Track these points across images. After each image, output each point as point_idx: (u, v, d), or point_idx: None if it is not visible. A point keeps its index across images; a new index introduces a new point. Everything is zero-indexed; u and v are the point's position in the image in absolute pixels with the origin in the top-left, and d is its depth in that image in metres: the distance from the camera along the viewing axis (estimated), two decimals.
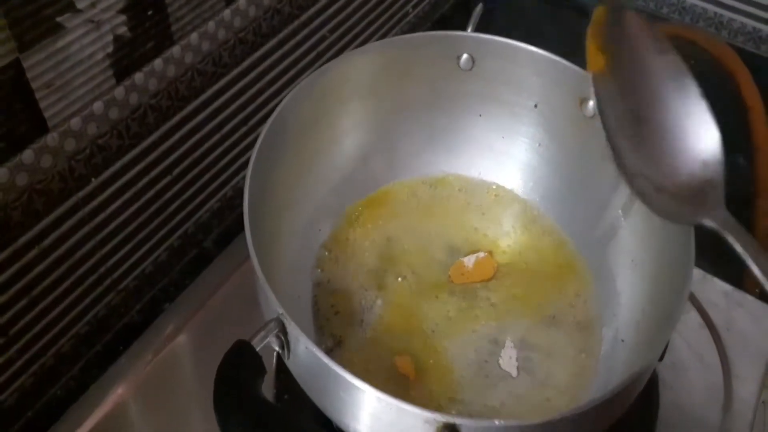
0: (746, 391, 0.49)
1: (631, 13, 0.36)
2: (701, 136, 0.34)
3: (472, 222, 0.53)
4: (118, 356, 0.54)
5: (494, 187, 0.55)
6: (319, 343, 0.45)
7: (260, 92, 0.62)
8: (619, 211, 0.48)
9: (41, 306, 0.49)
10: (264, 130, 0.43)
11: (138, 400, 0.51)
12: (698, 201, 0.33)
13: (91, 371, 0.54)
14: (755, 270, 0.31)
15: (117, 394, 0.51)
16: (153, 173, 0.54)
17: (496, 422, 0.31)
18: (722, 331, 0.51)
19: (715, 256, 0.57)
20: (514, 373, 0.45)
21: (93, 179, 0.49)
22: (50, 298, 0.49)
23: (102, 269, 0.53)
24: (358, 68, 0.49)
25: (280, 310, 0.34)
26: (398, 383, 0.44)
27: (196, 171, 0.58)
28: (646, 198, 0.33)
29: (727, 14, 0.89)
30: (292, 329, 0.34)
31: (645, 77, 0.35)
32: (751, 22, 0.88)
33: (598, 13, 0.37)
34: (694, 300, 0.52)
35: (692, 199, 0.33)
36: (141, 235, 0.55)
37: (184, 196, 0.58)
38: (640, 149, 0.33)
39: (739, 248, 0.32)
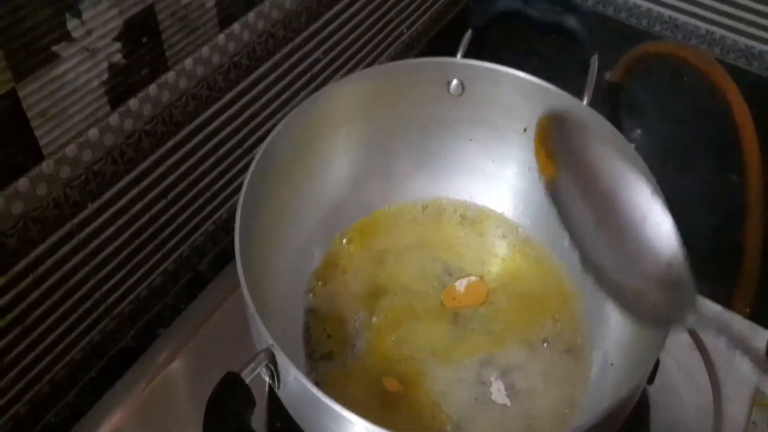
0: (736, 411, 0.49)
1: (575, 120, 0.36)
2: (660, 238, 0.34)
3: (464, 246, 0.54)
4: (112, 382, 0.54)
5: (485, 210, 0.56)
6: (309, 369, 0.46)
7: (254, 115, 0.62)
8: None
9: (36, 333, 0.49)
10: (256, 157, 0.44)
11: (132, 428, 0.51)
12: (671, 302, 0.32)
13: (85, 397, 0.54)
14: (743, 361, 0.30)
15: (111, 422, 0.51)
16: (148, 198, 0.54)
17: None
18: (712, 351, 0.51)
19: (704, 276, 0.58)
20: (506, 403, 0.45)
21: (89, 204, 0.49)
22: (45, 325, 0.49)
23: (97, 295, 0.53)
24: (350, 94, 0.50)
25: (270, 341, 0.35)
26: (387, 409, 0.44)
27: (190, 194, 0.59)
28: (619, 301, 0.33)
29: (720, 31, 0.90)
30: (282, 360, 0.34)
31: (596, 182, 0.35)
32: (743, 39, 0.89)
33: (542, 121, 0.37)
34: None
35: (665, 300, 0.32)
36: (136, 260, 0.56)
37: (179, 220, 0.59)
38: (602, 254, 0.33)
39: (721, 344, 0.31)
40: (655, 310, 0.32)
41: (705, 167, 0.78)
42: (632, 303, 0.32)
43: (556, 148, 0.36)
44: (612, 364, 0.45)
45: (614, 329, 0.46)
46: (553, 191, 0.35)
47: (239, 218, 0.40)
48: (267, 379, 0.36)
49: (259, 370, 0.34)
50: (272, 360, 0.35)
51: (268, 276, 0.45)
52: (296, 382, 0.34)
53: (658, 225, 0.34)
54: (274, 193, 0.47)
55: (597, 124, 0.46)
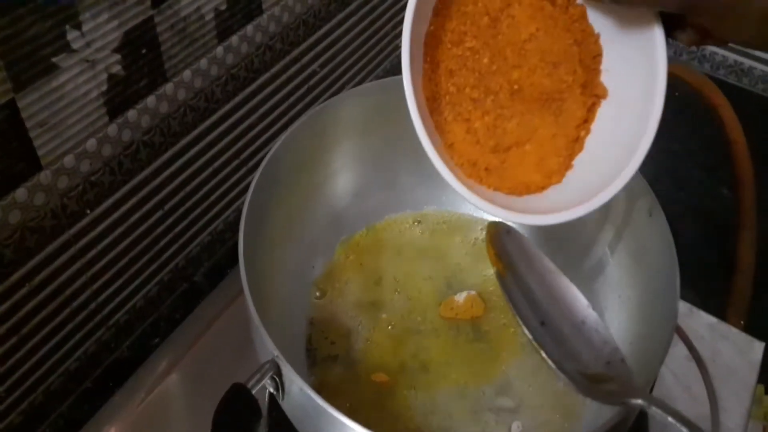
0: (733, 422, 0.50)
1: (515, 233, 0.41)
2: (598, 343, 0.37)
3: (463, 258, 0.54)
4: (106, 392, 0.54)
5: (485, 223, 0.56)
6: (311, 378, 0.46)
7: (252, 126, 0.63)
8: (606, 249, 0.49)
9: (31, 343, 0.49)
10: (259, 170, 0.44)
11: None
12: (614, 388, 0.35)
13: (79, 408, 0.54)
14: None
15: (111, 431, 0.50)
16: (144, 208, 0.54)
17: None
18: (708, 363, 0.52)
19: (698, 289, 0.58)
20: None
21: (88, 212, 0.49)
22: (40, 335, 0.49)
23: (93, 305, 0.53)
24: (353, 108, 0.50)
25: (275, 353, 0.35)
26: (388, 416, 0.44)
27: (187, 205, 0.59)
28: (573, 383, 0.35)
29: (710, 47, 0.91)
30: (287, 371, 0.34)
31: (539, 286, 0.39)
32: (732, 55, 0.90)
33: (490, 226, 0.41)
34: (680, 333, 0.53)
35: (609, 387, 0.35)
36: (132, 270, 0.56)
37: (175, 230, 0.59)
38: (549, 347, 0.36)
39: (667, 419, 0.33)
40: (602, 395, 0.35)
41: (697, 181, 0.79)
42: (582, 386, 0.35)
43: (502, 251, 0.40)
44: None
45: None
46: (503, 285, 0.39)
47: (243, 230, 0.41)
48: (271, 390, 0.35)
49: (264, 381, 0.34)
50: (277, 371, 0.35)
51: (270, 287, 0.45)
52: (301, 393, 0.34)
53: (596, 331, 0.37)
54: (276, 205, 0.47)
55: None
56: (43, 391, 0.51)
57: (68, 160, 0.46)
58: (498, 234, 0.41)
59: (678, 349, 0.52)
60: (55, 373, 0.52)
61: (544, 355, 0.36)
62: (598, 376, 0.36)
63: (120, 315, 0.56)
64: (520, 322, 0.37)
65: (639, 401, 0.34)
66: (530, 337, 0.36)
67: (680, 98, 0.85)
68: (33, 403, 0.51)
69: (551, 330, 0.37)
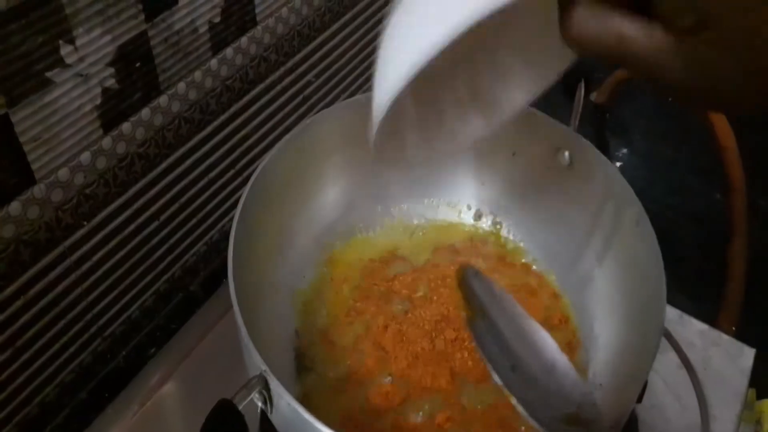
0: (724, 429, 0.50)
1: (483, 276, 0.41)
2: (568, 386, 0.37)
3: (451, 269, 0.54)
4: (102, 404, 0.54)
5: (475, 233, 0.56)
6: (300, 391, 0.46)
7: (247, 137, 0.63)
8: (594, 258, 0.49)
9: (26, 356, 0.49)
10: (249, 183, 0.44)
11: None
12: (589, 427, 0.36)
13: (75, 419, 0.54)
14: None
15: None
16: (139, 220, 0.54)
17: None
18: (699, 370, 0.52)
19: (690, 295, 0.59)
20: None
21: (84, 224, 0.49)
22: (35, 347, 0.49)
23: (88, 316, 0.53)
24: (342, 120, 0.51)
25: (264, 367, 0.35)
26: (375, 428, 0.44)
27: (182, 216, 0.59)
28: (541, 424, 0.35)
29: None
30: (275, 386, 0.34)
31: (507, 330, 0.39)
32: None
33: (458, 270, 0.42)
34: (671, 339, 0.53)
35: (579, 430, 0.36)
36: (127, 281, 0.56)
37: (171, 241, 0.59)
38: (519, 391, 0.36)
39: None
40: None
41: (690, 187, 0.80)
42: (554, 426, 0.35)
43: (471, 295, 0.40)
44: (601, 385, 0.45)
45: (602, 350, 0.46)
46: (473, 329, 0.39)
47: (232, 245, 0.41)
48: (260, 404, 0.36)
49: (252, 396, 0.35)
50: (265, 386, 0.35)
51: (260, 300, 0.45)
52: (289, 408, 0.34)
53: (566, 375, 0.37)
54: (266, 219, 0.47)
55: (583, 154, 0.48)
56: (38, 403, 0.51)
57: (62, 174, 0.46)
58: (466, 278, 0.41)
59: (669, 357, 0.52)
60: (51, 385, 0.52)
61: (514, 401, 0.35)
62: (570, 417, 0.36)
63: (116, 326, 0.56)
64: (491, 369, 0.37)
65: None
66: (500, 383, 0.36)
67: (673, 104, 0.85)
68: (28, 416, 0.51)
69: (522, 374, 0.37)
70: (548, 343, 0.39)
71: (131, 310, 0.57)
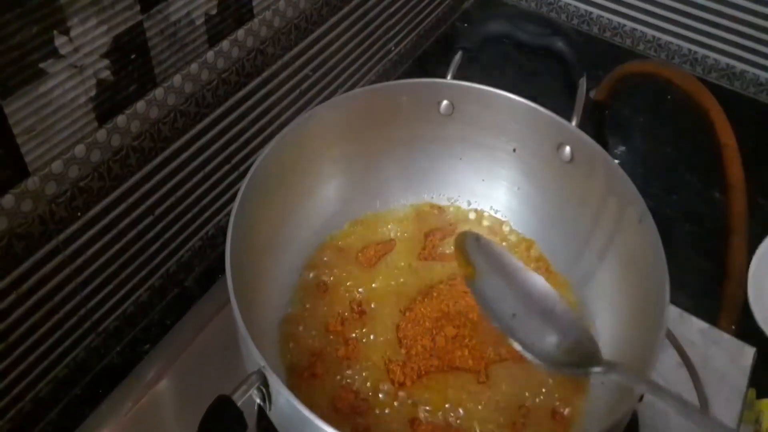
0: None
1: (484, 239, 0.45)
2: (568, 324, 0.41)
3: (452, 264, 0.54)
4: (96, 399, 0.54)
5: (476, 229, 0.56)
6: (297, 386, 0.45)
7: (243, 131, 0.62)
8: (596, 255, 0.49)
9: (19, 351, 0.48)
10: (246, 178, 0.44)
11: None
12: (584, 358, 0.39)
13: (69, 415, 0.53)
14: (642, 388, 0.36)
15: None
16: (134, 214, 0.54)
17: None
18: (699, 368, 0.52)
19: (690, 294, 0.58)
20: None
21: (80, 215, 0.49)
22: (29, 342, 0.49)
23: (82, 311, 0.53)
24: (340, 114, 0.50)
25: (262, 363, 0.34)
26: (369, 425, 0.44)
27: (178, 210, 0.58)
28: (540, 358, 0.40)
29: (702, 51, 0.91)
30: (274, 382, 0.34)
31: (508, 284, 0.42)
32: (724, 59, 0.90)
33: (459, 235, 0.45)
34: (671, 338, 0.53)
35: (579, 358, 0.39)
36: (122, 276, 0.55)
37: (166, 236, 0.58)
38: (520, 334, 0.40)
39: (625, 380, 0.37)
40: (569, 368, 0.39)
41: (688, 185, 0.79)
42: (550, 363, 0.39)
43: (471, 255, 0.43)
44: (602, 383, 0.45)
45: (604, 348, 0.46)
46: (472, 286, 0.43)
47: (230, 240, 0.40)
48: (258, 400, 0.35)
49: (250, 392, 0.34)
50: (264, 382, 0.35)
51: (257, 295, 0.45)
52: (288, 404, 0.34)
53: (564, 315, 0.41)
54: (264, 212, 0.47)
55: (585, 150, 0.48)
56: (31, 398, 0.51)
57: (56, 166, 0.46)
58: (467, 241, 0.44)
59: (669, 355, 0.52)
60: (44, 380, 0.51)
61: (510, 340, 0.39)
62: (569, 350, 0.39)
63: (110, 321, 0.56)
64: (489, 315, 0.41)
65: (599, 368, 0.38)
66: (497, 327, 0.40)
67: (672, 102, 0.85)
68: (21, 411, 0.50)
69: (522, 320, 0.41)
70: (549, 291, 0.42)
71: (125, 306, 0.57)
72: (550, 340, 0.39)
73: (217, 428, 0.32)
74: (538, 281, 0.42)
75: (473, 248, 0.44)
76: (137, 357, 0.57)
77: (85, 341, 0.54)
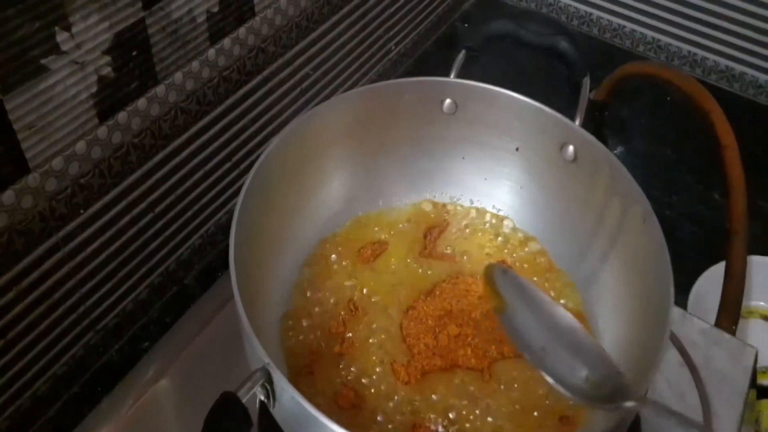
0: (726, 428, 0.50)
1: (510, 272, 0.46)
2: (596, 360, 0.40)
3: (455, 263, 0.53)
4: (95, 397, 0.53)
5: (477, 227, 0.56)
6: (300, 384, 0.45)
7: (244, 129, 0.62)
8: (599, 254, 0.49)
9: (18, 348, 0.48)
10: (249, 175, 0.44)
11: None
12: (612, 394, 0.39)
13: (67, 413, 0.53)
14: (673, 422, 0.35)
15: None
16: (134, 211, 0.54)
17: None
18: (701, 369, 0.52)
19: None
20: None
21: (82, 212, 0.48)
22: (27, 339, 0.49)
23: (82, 309, 0.52)
24: (344, 113, 0.50)
25: (267, 360, 0.34)
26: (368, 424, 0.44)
27: (178, 208, 0.58)
28: (571, 391, 0.39)
29: (701, 53, 0.92)
30: (278, 379, 0.34)
31: (536, 317, 0.42)
32: (723, 61, 0.91)
33: (488, 267, 0.45)
34: (674, 339, 0.53)
35: (607, 393, 0.39)
36: (122, 273, 0.55)
37: (166, 234, 0.58)
38: (550, 367, 0.40)
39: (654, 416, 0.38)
40: (600, 403, 0.39)
41: (689, 186, 0.79)
42: (581, 397, 0.39)
43: (500, 287, 0.44)
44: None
45: (607, 348, 0.46)
46: (503, 319, 0.43)
47: (233, 237, 0.40)
48: (262, 397, 0.35)
49: (254, 389, 0.34)
50: (268, 379, 0.34)
51: (259, 291, 0.44)
52: (292, 401, 0.34)
53: (593, 350, 0.41)
54: (266, 211, 0.46)
55: (589, 149, 0.48)
56: (30, 395, 0.51)
57: (57, 163, 0.46)
58: (494, 274, 0.45)
59: (671, 355, 0.52)
60: (43, 378, 0.51)
61: (543, 374, 0.39)
62: (597, 385, 0.39)
63: (109, 319, 0.56)
64: (521, 349, 0.41)
65: (633, 403, 0.37)
66: (529, 358, 0.40)
67: (672, 103, 0.85)
68: (20, 408, 0.50)
69: (551, 353, 0.41)
70: (574, 325, 0.42)
71: (125, 303, 0.57)
72: (580, 374, 0.39)
73: (223, 425, 0.32)
74: (566, 315, 0.42)
75: (501, 280, 0.44)
76: (136, 355, 0.56)
77: (84, 338, 0.54)
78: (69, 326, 0.52)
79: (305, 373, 0.45)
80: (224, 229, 0.64)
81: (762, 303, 0.70)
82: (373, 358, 0.47)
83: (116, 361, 0.57)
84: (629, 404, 0.37)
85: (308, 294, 0.50)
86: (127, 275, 0.56)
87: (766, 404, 0.61)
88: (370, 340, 0.48)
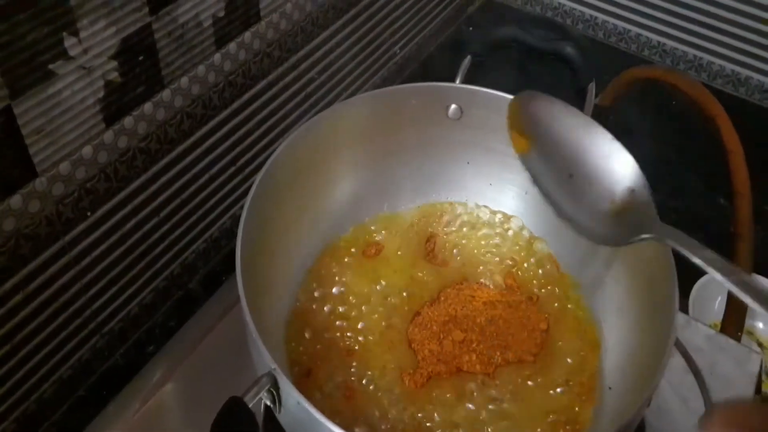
0: None
1: (540, 96, 0.44)
2: (622, 169, 0.40)
3: (460, 268, 0.53)
4: (100, 401, 0.54)
5: (483, 232, 0.56)
6: (303, 389, 0.45)
7: (249, 133, 0.62)
8: (604, 259, 0.49)
9: (24, 351, 0.48)
10: (257, 179, 0.44)
11: None
12: (636, 222, 0.38)
13: (73, 416, 0.53)
14: (699, 262, 0.34)
15: None
16: (140, 215, 0.54)
17: None
18: (706, 374, 0.51)
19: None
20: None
21: (89, 215, 0.49)
22: (34, 343, 0.49)
23: (87, 312, 0.53)
24: (350, 118, 0.50)
25: (273, 366, 0.34)
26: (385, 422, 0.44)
27: (183, 212, 0.58)
28: (593, 236, 0.39)
29: (707, 57, 0.91)
30: (284, 385, 0.34)
31: (562, 142, 0.41)
32: (729, 65, 0.90)
33: (512, 104, 0.44)
34: (678, 344, 0.53)
35: (631, 221, 0.38)
36: (127, 277, 0.55)
37: (171, 238, 0.58)
38: (576, 199, 0.39)
39: (679, 248, 0.35)
40: (623, 231, 0.38)
41: (694, 191, 0.79)
42: (603, 231, 0.39)
43: (525, 124, 0.42)
44: (610, 388, 0.45)
45: (612, 351, 0.46)
46: (527, 162, 0.42)
47: (240, 240, 0.40)
48: (268, 402, 0.35)
49: (261, 394, 0.34)
50: (274, 384, 0.34)
51: (264, 296, 0.44)
52: (298, 407, 0.34)
53: (619, 159, 0.40)
54: (273, 216, 0.46)
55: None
56: (36, 399, 0.51)
57: (64, 167, 0.46)
58: (521, 107, 0.43)
59: (675, 361, 0.52)
60: (49, 381, 0.51)
61: (559, 218, 0.39)
62: (620, 212, 0.38)
63: (114, 323, 0.56)
64: (541, 189, 0.40)
65: (650, 235, 0.36)
66: (547, 201, 0.40)
67: (677, 107, 0.85)
68: (26, 412, 0.50)
69: (579, 179, 0.40)
70: (603, 136, 0.41)
71: (130, 307, 0.57)
72: (603, 206, 0.38)
73: (230, 430, 0.32)
74: (596, 129, 0.41)
75: (529, 110, 0.43)
76: (141, 359, 0.57)
77: (89, 342, 0.54)
78: (75, 330, 0.52)
79: (310, 379, 0.45)
80: (228, 233, 0.65)
81: (759, 324, 0.70)
82: (378, 363, 0.47)
83: (121, 365, 0.57)
84: (646, 236, 0.36)
85: (313, 298, 0.50)
86: (132, 279, 0.56)
87: None
88: (375, 346, 0.48)
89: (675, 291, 0.40)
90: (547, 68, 0.54)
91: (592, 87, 0.49)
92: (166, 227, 0.57)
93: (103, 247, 0.52)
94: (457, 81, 0.51)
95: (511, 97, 0.47)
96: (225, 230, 0.64)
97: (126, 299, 0.56)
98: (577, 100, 0.49)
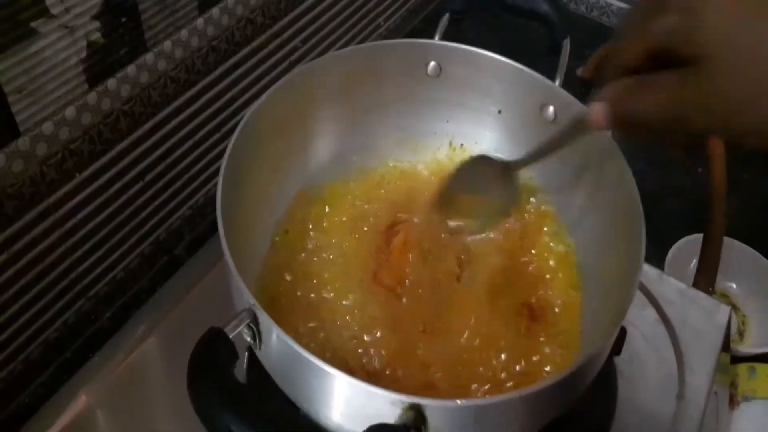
0: (699, 381, 0.51)
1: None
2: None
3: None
4: (86, 363, 0.54)
5: None
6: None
7: (233, 100, 0.63)
8: (578, 209, 0.50)
9: (10, 312, 0.49)
10: (237, 130, 0.44)
11: (109, 401, 0.51)
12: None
13: (60, 378, 0.54)
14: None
15: (89, 393, 0.51)
16: (125, 179, 0.54)
17: (458, 402, 0.33)
18: (677, 326, 0.53)
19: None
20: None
21: (77, 175, 0.49)
22: (19, 303, 0.49)
23: (72, 275, 0.53)
24: (330, 73, 0.51)
25: (252, 301, 0.35)
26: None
27: (168, 177, 0.59)
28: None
29: None
30: (264, 319, 0.35)
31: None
32: None
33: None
34: (651, 297, 0.54)
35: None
36: (112, 241, 0.56)
37: (156, 203, 0.59)
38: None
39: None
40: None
41: (672, 160, 0.80)
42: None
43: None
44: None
45: (593, 278, 0.47)
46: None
47: (221, 184, 0.41)
48: (248, 338, 0.36)
49: (241, 328, 0.35)
50: (254, 320, 0.35)
51: (245, 242, 0.44)
52: (279, 341, 0.34)
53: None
54: (254, 166, 0.47)
55: (568, 110, 0.48)
56: (23, 360, 0.51)
57: (47, 127, 0.46)
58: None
59: (648, 312, 0.54)
60: (35, 343, 0.52)
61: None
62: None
63: (100, 286, 0.56)
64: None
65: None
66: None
67: None
68: (13, 372, 0.51)
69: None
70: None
71: (116, 271, 0.57)
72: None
73: (210, 356, 0.33)
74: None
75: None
76: (127, 323, 0.57)
77: (75, 305, 0.55)
78: (61, 292, 0.53)
79: (288, 319, 0.46)
80: (214, 201, 0.64)
81: (733, 284, 0.72)
82: (350, 295, 0.48)
83: (107, 329, 0.57)
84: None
85: (291, 247, 0.50)
86: (118, 243, 0.56)
87: (742, 368, 0.62)
88: (346, 291, 0.49)
89: (641, 223, 0.40)
90: (525, 29, 0.54)
91: (566, 43, 0.50)
92: (150, 192, 0.58)
93: (87, 210, 0.52)
94: (436, 38, 0.52)
95: (487, 53, 0.48)
96: (210, 197, 0.65)
97: (111, 263, 0.57)
98: (554, 58, 0.50)
